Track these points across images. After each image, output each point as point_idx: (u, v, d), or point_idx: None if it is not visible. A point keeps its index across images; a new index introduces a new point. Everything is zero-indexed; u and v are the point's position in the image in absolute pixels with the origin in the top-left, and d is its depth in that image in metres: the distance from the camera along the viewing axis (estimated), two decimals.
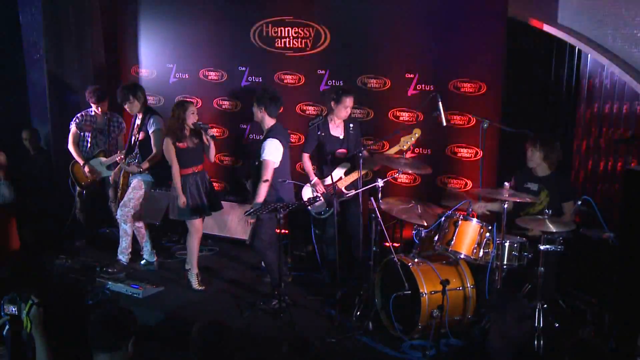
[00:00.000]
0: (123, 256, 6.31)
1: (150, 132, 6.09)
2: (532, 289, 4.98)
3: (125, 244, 6.31)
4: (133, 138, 6.19)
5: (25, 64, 7.32)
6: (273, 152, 5.37)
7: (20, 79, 7.40)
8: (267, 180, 5.34)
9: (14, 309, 3.13)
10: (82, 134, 6.76)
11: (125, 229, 6.25)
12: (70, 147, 6.74)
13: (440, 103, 5.39)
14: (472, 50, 6.18)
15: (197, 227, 5.91)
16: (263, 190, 5.34)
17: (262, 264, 5.92)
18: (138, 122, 6.18)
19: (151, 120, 6.10)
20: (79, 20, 7.52)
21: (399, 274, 4.84)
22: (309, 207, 5.88)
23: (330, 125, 5.91)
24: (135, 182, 6.20)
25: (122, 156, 6.27)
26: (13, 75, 7.51)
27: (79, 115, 6.78)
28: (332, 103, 5.84)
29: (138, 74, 7.80)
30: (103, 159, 6.68)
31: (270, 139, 5.39)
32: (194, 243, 5.92)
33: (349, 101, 5.79)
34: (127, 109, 6.21)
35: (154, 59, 7.71)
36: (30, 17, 7.15)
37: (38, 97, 7.34)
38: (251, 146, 6.88)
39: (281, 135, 5.48)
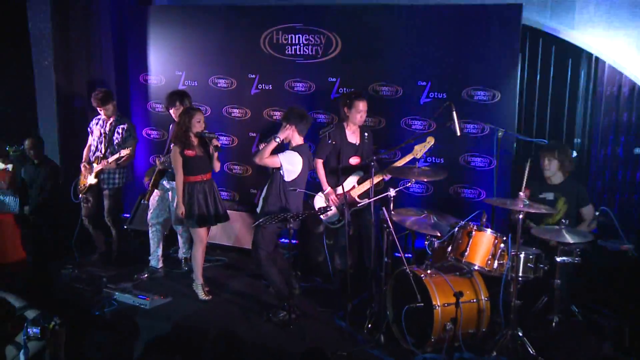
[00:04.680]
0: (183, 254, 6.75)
1: None
2: (548, 301, 4.93)
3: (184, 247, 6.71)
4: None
5: (34, 71, 7.37)
6: (289, 160, 5.38)
7: (28, 86, 7.45)
8: (295, 189, 5.36)
9: (37, 331, 3.10)
10: (93, 137, 6.82)
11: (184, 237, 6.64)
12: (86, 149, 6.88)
13: (454, 112, 5.37)
14: (486, 57, 6.17)
15: (202, 236, 5.91)
16: (263, 153, 5.36)
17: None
18: None
19: None
20: (88, 27, 7.57)
21: (412, 285, 4.80)
22: (322, 217, 5.88)
23: (347, 132, 5.93)
24: (169, 186, 6.35)
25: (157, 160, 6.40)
26: (21, 83, 7.56)
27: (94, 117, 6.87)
28: (345, 109, 5.86)
29: (147, 82, 7.83)
30: (94, 165, 6.70)
31: (293, 151, 5.42)
32: (198, 253, 5.93)
33: (362, 105, 5.80)
34: (172, 115, 6.30)
35: (163, 66, 7.73)
36: (39, 24, 7.20)
37: (45, 104, 7.37)
38: None
39: (305, 155, 5.48)
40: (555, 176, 5.24)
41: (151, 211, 6.51)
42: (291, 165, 5.39)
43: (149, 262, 6.56)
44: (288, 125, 5.43)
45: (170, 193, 6.34)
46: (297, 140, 5.48)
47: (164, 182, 6.41)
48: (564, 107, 6.46)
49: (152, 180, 6.39)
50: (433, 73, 6.42)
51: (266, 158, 5.37)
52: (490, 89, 6.19)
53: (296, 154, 5.41)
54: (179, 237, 6.71)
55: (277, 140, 5.38)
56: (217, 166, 5.88)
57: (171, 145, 5.88)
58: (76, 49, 7.49)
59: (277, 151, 5.44)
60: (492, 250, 4.81)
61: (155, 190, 6.44)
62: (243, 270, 6.78)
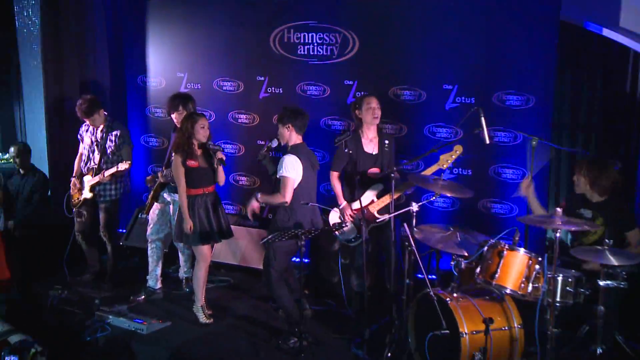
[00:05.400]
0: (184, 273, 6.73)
1: None
2: (590, 330, 4.84)
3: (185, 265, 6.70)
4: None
5: (21, 72, 7.37)
6: (291, 168, 5.34)
7: (15, 89, 7.46)
8: (285, 202, 5.32)
9: (15, 359, 3.08)
10: (83, 145, 6.79)
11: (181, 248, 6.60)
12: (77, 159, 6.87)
13: (482, 118, 5.30)
14: (519, 58, 6.14)
15: (205, 254, 5.87)
16: (274, 202, 5.41)
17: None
18: None
19: None
20: (80, 23, 7.60)
21: (436, 310, 4.73)
22: (337, 234, 5.85)
23: (363, 140, 5.89)
24: (170, 199, 6.33)
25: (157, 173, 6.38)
26: (7, 84, 7.57)
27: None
28: (357, 112, 5.87)
29: (145, 84, 7.85)
30: (88, 178, 6.67)
31: (288, 154, 5.39)
32: (200, 272, 5.88)
33: (371, 101, 5.79)
34: (174, 120, 6.28)
35: (163, 67, 7.76)
36: (27, 20, 7.21)
37: (34, 108, 7.38)
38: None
39: (303, 155, 5.45)
40: (590, 194, 5.14)
41: (151, 226, 6.47)
42: (294, 172, 5.36)
43: (147, 282, 6.53)
44: (285, 127, 5.44)
45: (171, 206, 6.31)
46: (295, 139, 5.48)
47: (165, 195, 6.37)
48: (606, 113, 6.38)
49: (152, 193, 6.36)
50: (460, 75, 6.39)
51: (286, 196, 5.33)
52: (523, 93, 6.15)
53: (293, 156, 5.38)
54: (179, 254, 6.67)
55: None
56: (221, 179, 5.85)
57: (172, 155, 5.85)
58: (68, 47, 7.50)
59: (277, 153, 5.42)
60: (525, 272, 4.72)
61: (155, 203, 6.39)
62: (250, 292, 6.75)
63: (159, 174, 6.31)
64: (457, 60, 6.38)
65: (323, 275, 6.58)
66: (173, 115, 6.29)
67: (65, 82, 7.51)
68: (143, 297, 6.43)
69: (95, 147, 6.65)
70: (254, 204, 5.50)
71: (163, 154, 6.49)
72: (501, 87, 6.22)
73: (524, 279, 4.70)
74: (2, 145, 7.33)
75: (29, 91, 7.42)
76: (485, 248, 4.87)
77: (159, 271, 6.53)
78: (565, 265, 4.90)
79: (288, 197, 5.33)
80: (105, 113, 6.70)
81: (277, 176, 5.39)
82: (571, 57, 6.27)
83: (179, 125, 6.04)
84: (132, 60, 7.92)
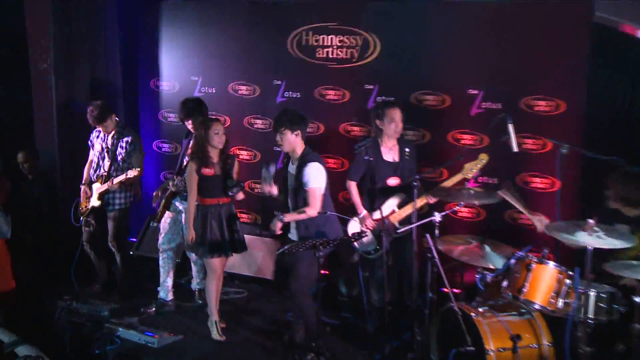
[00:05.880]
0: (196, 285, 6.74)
1: None
2: (626, 350, 4.79)
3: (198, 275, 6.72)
4: (186, 160, 6.23)
5: (30, 74, 7.43)
6: (320, 177, 5.31)
7: (24, 92, 7.51)
8: (325, 212, 5.32)
9: None
10: (94, 152, 6.87)
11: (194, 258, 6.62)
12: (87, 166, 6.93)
13: (510, 125, 5.30)
14: (548, 61, 6.12)
15: (216, 267, 5.88)
16: (303, 218, 5.34)
17: (292, 311, 5.91)
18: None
19: None
20: (92, 25, 7.67)
21: (460, 326, 4.73)
22: (356, 245, 5.85)
23: (382, 149, 5.89)
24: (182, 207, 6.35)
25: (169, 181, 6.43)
26: (16, 87, 7.63)
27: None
28: (378, 122, 5.84)
29: (158, 88, 7.91)
30: (97, 185, 6.73)
31: (312, 162, 5.33)
32: (212, 285, 5.91)
33: (395, 114, 5.77)
34: (189, 127, 6.31)
35: (177, 70, 7.82)
36: (37, 21, 7.27)
37: (44, 111, 7.43)
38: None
39: (319, 159, 5.44)
40: (626, 208, 5.09)
41: (162, 235, 6.52)
42: (322, 180, 5.35)
43: (158, 294, 6.57)
44: (294, 134, 5.37)
45: (183, 215, 6.34)
46: (301, 146, 5.43)
47: (177, 203, 6.43)
48: None
49: (163, 201, 6.41)
50: (486, 80, 6.38)
51: (319, 207, 5.31)
52: (553, 98, 6.13)
53: (317, 164, 5.33)
54: (192, 265, 6.71)
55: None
56: (240, 195, 5.87)
57: (184, 162, 5.89)
58: (79, 50, 7.58)
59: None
60: (555, 287, 4.69)
61: (167, 212, 6.45)
62: (265, 304, 6.78)
63: (170, 183, 6.36)
64: (484, 64, 6.36)
65: (341, 288, 6.60)
66: (187, 122, 6.32)
67: (76, 85, 7.58)
68: (154, 309, 6.47)
69: (106, 154, 6.71)
70: (279, 225, 5.43)
71: (176, 160, 6.54)
72: (530, 91, 6.20)
73: (553, 294, 4.68)
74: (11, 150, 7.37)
75: (38, 94, 7.45)
76: (513, 261, 4.85)
77: (170, 282, 6.57)
78: (599, 280, 4.88)
79: (319, 207, 5.29)
80: (117, 119, 6.77)
81: (306, 188, 5.30)
82: (605, 61, 6.24)
83: (194, 132, 6.10)
84: (145, 63, 7.98)
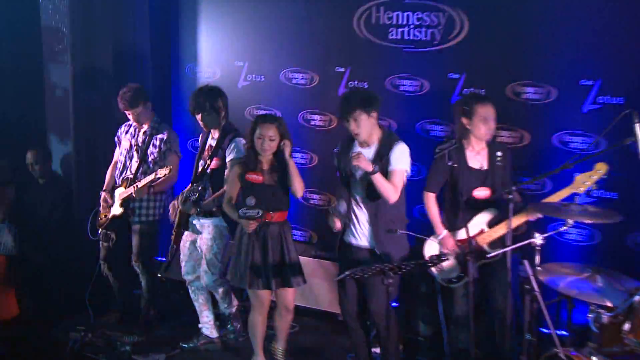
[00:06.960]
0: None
1: (227, 159, 6.08)
2: None
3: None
4: (203, 164, 6.21)
5: (43, 58, 7.52)
6: (406, 160, 5.46)
7: (36, 79, 7.60)
8: (395, 230, 5.37)
9: None
10: (120, 150, 6.88)
11: (220, 291, 6.47)
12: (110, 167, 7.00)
13: (637, 125, 5.12)
14: None
15: (261, 299, 5.81)
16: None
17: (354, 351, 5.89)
18: (212, 142, 6.21)
19: (232, 145, 6.10)
20: (117, 2, 7.76)
21: None
22: (433, 270, 5.76)
23: (467, 153, 5.79)
24: (212, 229, 6.23)
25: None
26: (26, 74, 7.72)
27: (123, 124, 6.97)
28: (464, 120, 5.75)
29: (195, 74, 7.99)
30: (121, 190, 6.74)
31: (401, 143, 5.47)
32: (256, 320, 5.89)
33: (485, 111, 5.67)
34: (201, 123, 6.26)
35: (218, 54, 7.91)
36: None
37: (58, 104, 7.51)
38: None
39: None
40: None
41: (183, 264, 6.46)
42: (409, 165, 5.46)
43: (200, 330, 6.57)
44: (372, 116, 5.38)
45: (203, 235, 6.27)
46: (378, 130, 5.52)
47: (194, 222, 6.33)
48: None
49: (176, 219, 6.32)
50: (603, 68, 6.22)
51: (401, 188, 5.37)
52: None
53: (407, 148, 5.46)
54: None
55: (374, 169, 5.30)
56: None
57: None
58: (101, 27, 7.65)
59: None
60: None
61: (186, 232, 6.37)
62: (321, 341, 6.80)
63: (178, 198, 6.28)
64: (601, 49, 6.20)
65: (416, 324, 6.53)
66: (199, 117, 6.21)
67: (97, 71, 7.65)
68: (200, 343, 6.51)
69: (135, 153, 6.72)
70: (338, 223, 5.50)
71: None
72: None
73: None
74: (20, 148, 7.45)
75: (53, 83, 7.53)
76: (637, 298, 4.65)
77: (211, 316, 6.55)
78: None
79: (398, 194, 5.38)
80: (153, 110, 6.77)
81: (390, 168, 5.38)
82: None
83: (207, 130, 6.22)
84: (179, 46, 8.09)
